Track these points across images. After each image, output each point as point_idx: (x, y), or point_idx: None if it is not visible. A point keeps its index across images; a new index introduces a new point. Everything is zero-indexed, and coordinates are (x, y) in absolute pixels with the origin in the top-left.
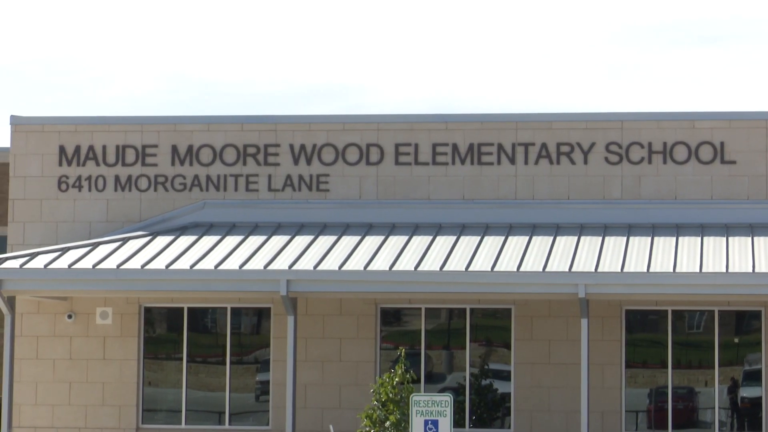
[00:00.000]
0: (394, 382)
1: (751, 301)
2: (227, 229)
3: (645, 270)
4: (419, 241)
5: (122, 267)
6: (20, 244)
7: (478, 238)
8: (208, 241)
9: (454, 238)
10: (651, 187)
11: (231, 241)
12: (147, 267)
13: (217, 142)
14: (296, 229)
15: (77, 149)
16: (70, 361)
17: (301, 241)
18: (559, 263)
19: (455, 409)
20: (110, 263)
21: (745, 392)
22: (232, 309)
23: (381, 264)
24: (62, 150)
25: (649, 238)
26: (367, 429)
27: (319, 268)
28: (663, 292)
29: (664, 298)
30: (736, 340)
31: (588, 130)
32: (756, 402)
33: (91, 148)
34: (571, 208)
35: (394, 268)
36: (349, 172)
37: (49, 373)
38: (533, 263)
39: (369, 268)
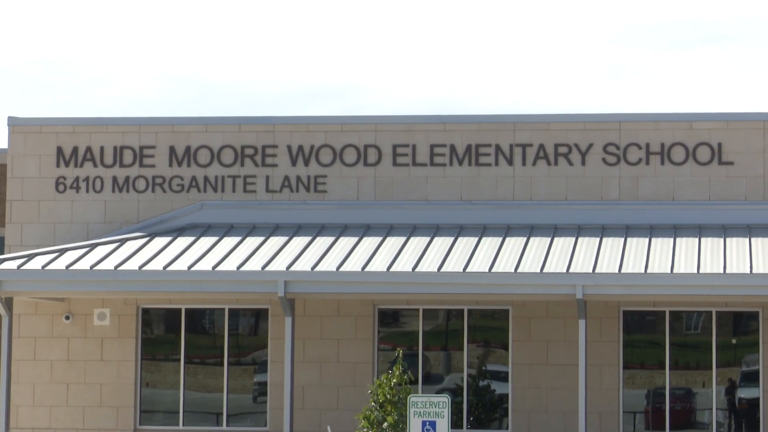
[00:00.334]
0: (392, 383)
1: (749, 302)
2: (225, 230)
3: (643, 271)
4: (417, 242)
5: (120, 268)
6: (18, 245)
7: (476, 239)
8: (205, 242)
9: (452, 239)
10: (649, 188)
11: (229, 242)
12: (145, 268)
13: (215, 143)
14: (294, 230)
15: (75, 150)
16: (67, 362)
17: (299, 242)
18: (556, 264)
19: (453, 410)
20: (108, 264)
21: (743, 393)
22: (230, 310)
23: (379, 265)
24: (60, 151)
25: (647, 239)
26: (365, 430)
27: (317, 269)
28: (660, 293)
29: (661, 299)
30: (734, 341)
31: (586, 131)
32: (754, 403)
33: (88, 149)
34: (569, 209)
35: (392, 269)
36: (347, 173)
37: (46, 374)
38: (531, 264)
39: (367, 269)
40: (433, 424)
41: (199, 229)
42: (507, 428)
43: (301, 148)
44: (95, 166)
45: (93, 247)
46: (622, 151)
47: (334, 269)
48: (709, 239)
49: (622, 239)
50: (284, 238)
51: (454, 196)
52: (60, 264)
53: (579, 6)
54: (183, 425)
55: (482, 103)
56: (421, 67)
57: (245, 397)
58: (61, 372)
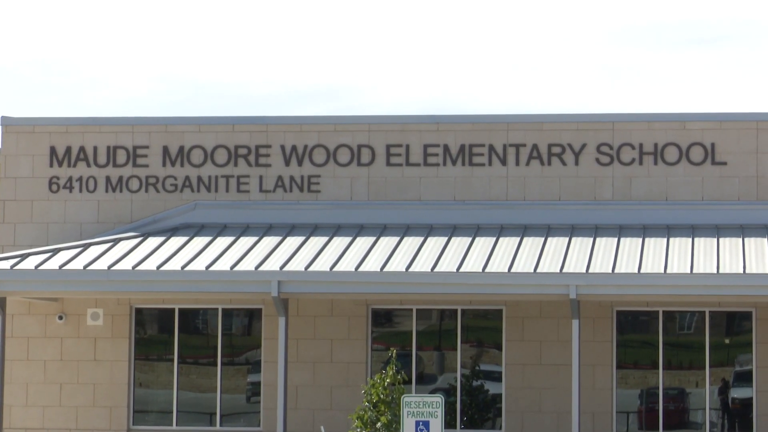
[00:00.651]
0: (386, 383)
1: (742, 302)
2: (218, 230)
3: (636, 271)
4: (410, 242)
5: (113, 268)
6: (11, 245)
7: (470, 239)
8: (199, 242)
9: (446, 239)
10: (642, 188)
11: (222, 242)
12: (138, 268)
13: (209, 143)
14: (287, 230)
15: (68, 150)
16: (60, 363)
17: (293, 242)
18: (550, 264)
19: (446, 410)
20: (101, 264)
21: (736, 393)
22: (224, 310)
23: (372, 265)
24: (53, 151)
25: (640, 239)
26: (359, 430)
27: (311, 269)
28: (654, 293)
29: (655, 299)
30: (727, 341)
31: (579, 131)
32: (747, 403)
33: (82, 149)
34: (562, 209)
35: (386, 269)
36: (341, 173)
37: (39, 374)
38: (524, 264)
39: (360, 269)
40: (426, 424)
41: (192, 229)
42: (500, 428)
43: (294, 148)
44: (88, 166)
45: (86, 247)
46: (615, 151)
47: (328, 269)
48: (702, 239)
49: (616, 239)
50: (278, 238)
51: (448, 196)
52: (53, 264)
53: (573, 6)
54: (176, 425)
55: (475, 103)
56: (415, 67)
57: (239, 398)
58: (54, 372)
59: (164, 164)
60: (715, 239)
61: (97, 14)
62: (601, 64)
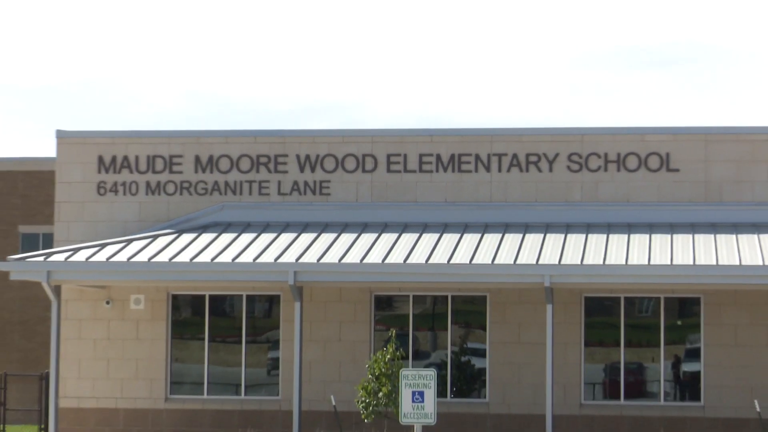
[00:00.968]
0: (386, 359)
1: (692, 289)
2: (243, 227)
3: (601, 263)
4: (408, 238)
5: (153, 260)
6: (65, 240)
7: (459, 235)
8: (226, 238)
9: (438, 235)
10: (607, 191)
11: (246, 238)
12: (174, 260)
13: (234, 153)
14: (302, 227)
15: (113, 159)
16: (108, 341)
17: (306, 238)
18: (527, 257)
19: (438, 382)
20: (142, 257)
21: (687, 367)
22: (247, 296)
23: (375, 258)
24: (101, 159)
25: (605, 236)
26: (363, 399)
27: (322, 261)
28: (617, 282)
29: (617, 286)
30: (679, 323)
31: (553, 143)
32: (696, 376)
33: (125, 157)
34: (539, 210)
35: (387, 261)
36: (348, 179)
37: (90, 351)
38: (505, 257)
39: (365, 261)
40: (421, 393)
41: (220, 227)
42: (485, 398)
43: (308, 157)
44: (131, 172)
45: (129, 242)
46: (584, 160)
47: (337, 261)
48: (659, 235)
49: (584, 235)
50: (294, 235)
51: (440, 198)
52: (101, 256)
53: (546, 35)
54: (207, 395)
55: (463, 117)
56: (412, 87)
57: (260, 371)
58: (102, 349)
59: (196, 171)
60: (669, 235)
61: (135, 40)
62: (572, 84)
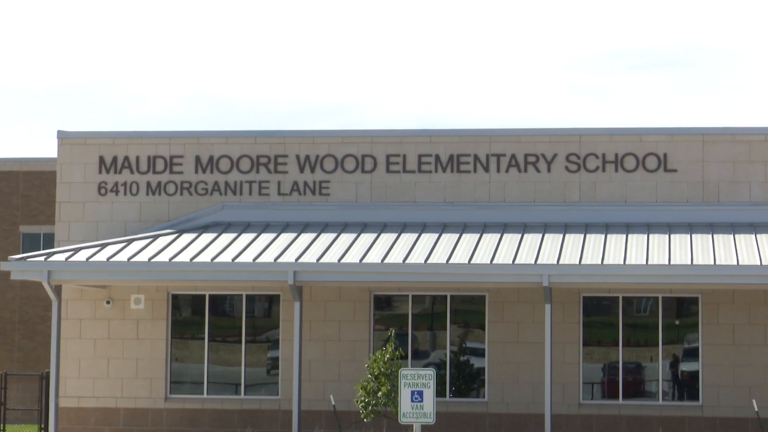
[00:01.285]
0: (386, 359)
1: (690, 289)
2: (243, 227)
3: (600, 262)
4: (407, 238)
5: (153, 260)
6: (66, 240)
7: (457, 235)
8: (226, 238)
9: (437, 235)
10: (605, 191)
11: (246, 238)
12: (174, 260)
13: (234, 153)
14: (302, 227)
15: (114, 159)
16: (108, 341)
17: (306, 238)
18: (526, 257)
19: (437, 382)
20: (143, 257)
21: (685, 367)
22: (247, 296)
23: (374, 257)
24: (102, 160)
25: (603, 235)
26: (363, 398)
27: (322, 261)
28: (615, 281)
29: (615, 286)
30: (677, 323)
31: (551, 143)
32: (694, 375)
33: (126, 158)
34: (537, 210)
35: (386, 261)
36: (347, 179)
37: (90, 350)
38: (504, 257)
39: (364, 261)
40: (420, 393)
41: (220, 227)
42: (484, 397)
43: (307, 157)
44: (132, 172)
45: (130, 242)
46: (581, 160)
47: (336, 261)
48: (656, 235)
49: (582, 235)
50: (293, 235)
51: (439, 198)
52: (102, 256)
53: (544, 36)
54: (207, 394)
55: (462, 118)
56: (410, 88)
57: (260, 371)
58: (103, 348)
59: (196, 171)
60: (667, 235)
61: (137, 42)
62: (570, 85)
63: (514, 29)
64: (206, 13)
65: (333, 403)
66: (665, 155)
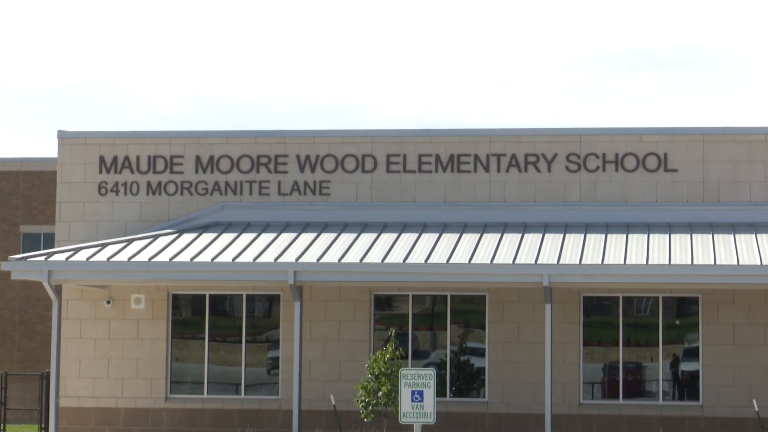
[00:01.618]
0: (386, 359)
1: (691, 289)
2: (243, 227)
3: (600, 262)
4: (407, 238)
5: (153, 260)
6: (66, 240)
7: (458, 235)
8: (226, 237)
9: (437, 235)
10: (605, 191)
11: (246, 237)
12: (174, 260)
13: (235, 153)
14: (302, 227)
15: (115, 159)
16: (108, 341)
17: (306, 237)
18: (526, 257)
19: (438, 382)
20: (143, 257)
21: (685, 367)
22: (247, 296)
23: (375, 257)
24: (102, 160)
25: (603, 235)
26: (363, 398)
27: (322, 260)
28: (615, 281)
29: (616, 286)
30: (678, 322)
31: (551, 143)
32: (694, 375)
33: (126, 158)
34: (537, 210)
35: (386, 261)
36: (347, 179)
37: (90, 350)
38: (504, 257)
39: (364, 260)
40: (420, 393)
41: (220, 227)
42: (484, 397)
43: (308, 157)
44: (132, 172)
45: (130, 242)
46: (582, 160)
47: (337, 261)
48: (657, 235)
49: (582, 235)
50: (294, 235)
51: (439, 198)
52: (102, 256)
53: (545, 36)
54: (207, 394)
55: (462, 118)
56: (410, 87)
57: (260, 371)
58: (103, 348)
59: (197, 171)
60: (668, 235)
61: (137, 42)
62: (570, 85)
63: (515, 29)
64: (206, 14)
65: (333, 403)
66: (665, 155)
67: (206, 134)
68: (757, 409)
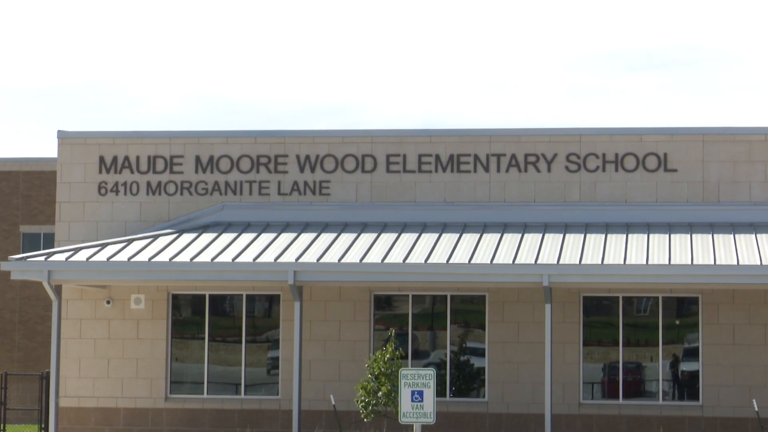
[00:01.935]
0: (386, 359)
1: (690, 289)
2: (243, 227)
3: (600, 262)
4: (407, 238)
5: (153, 260)
6: (66, 240)
7: (458, 235)
8: (226, 237)
9: (437, 235)
10: (605, 191)
11: (246, 237)
12: (174, 260)
13: (234, 153)
14: (302, 227)
15: (115, 159)
16: (108, 341)
17: (306, 237)
18: (526, 257)
19: (438, 382)
20: (143, 257)
21: (685, 367)
22: (247, 296)
23: (374, 257)
24: (102, 160)
25: (603, 235)
26: (363, 398)
27: (322, 260)
28: (615, 281)
29: (615, 286)
30: (677, 322)
31: (551, 143)
32: (694, 375)
33: (126, 158)
34: (537, 210)
35: (386, 261)
36: (347, 179)
37: (90, 350)
38: (504, 256)
39: (364, 260)
40: (420, 393)
41: (220, 227)
42: (484, 397)
43: (308, 157)
44: (132, 172)
45: (130, 242)
46: (582, 160)
47: (337, 261)
48: (656, 235)
49: (582, 235)
50: (293, 235)
51: (439, 198)
52: (102, 256)
53: (545, 36)
54: (207, 394)
55: (462, 118)
56: (410, 88)
57: (260, 371)
58: (103, 348)
59: (197, 171)
60: (667, 235)
61: (137, 42)
62: (570, 85)
63: (515, 29)
64: (206, 14)
65: (333, 403)
66: (665, 155)
67: (206, 134)
68: (756, 409)
